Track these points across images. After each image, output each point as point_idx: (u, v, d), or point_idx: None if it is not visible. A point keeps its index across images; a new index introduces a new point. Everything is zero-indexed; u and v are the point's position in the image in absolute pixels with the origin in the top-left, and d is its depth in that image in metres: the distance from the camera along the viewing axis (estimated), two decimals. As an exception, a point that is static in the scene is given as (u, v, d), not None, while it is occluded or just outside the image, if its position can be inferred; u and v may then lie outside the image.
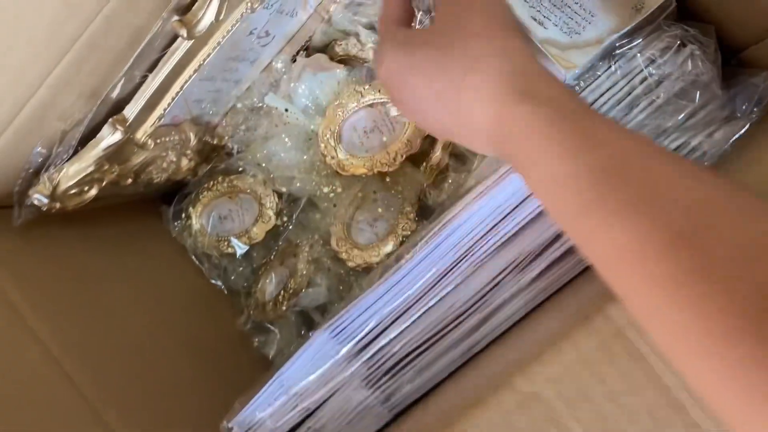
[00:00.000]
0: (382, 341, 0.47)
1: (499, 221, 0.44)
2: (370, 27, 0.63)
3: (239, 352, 0.68)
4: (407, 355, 0.48)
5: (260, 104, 0.66)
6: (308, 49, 0.66)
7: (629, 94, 0.47)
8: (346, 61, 0.65)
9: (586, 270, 0.47)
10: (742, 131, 0.46)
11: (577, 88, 0.49)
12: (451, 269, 0.45)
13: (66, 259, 0.55)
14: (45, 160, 0.51)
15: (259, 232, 0.68)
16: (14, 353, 0.44)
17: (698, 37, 0.45)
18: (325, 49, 0.65)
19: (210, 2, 0.48)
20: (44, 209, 0.52)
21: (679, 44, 0.45)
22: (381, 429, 0.51)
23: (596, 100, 0.47)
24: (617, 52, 0.47)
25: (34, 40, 0.42)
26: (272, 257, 0.69)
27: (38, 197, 0.51)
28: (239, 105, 0.67)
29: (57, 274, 0.54)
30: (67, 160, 0.51)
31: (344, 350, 0.47)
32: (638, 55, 0.46)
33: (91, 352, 0.50)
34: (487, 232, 0.45)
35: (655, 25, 0.47)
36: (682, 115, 0.45)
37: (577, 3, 0.51)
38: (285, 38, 0.65)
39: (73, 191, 0.53)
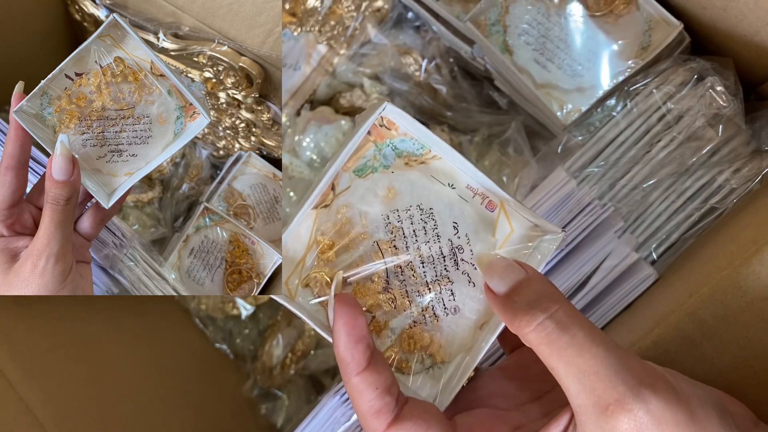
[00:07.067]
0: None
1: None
2: (374, 77, 0.62)
3: (246, 420, 0.64)
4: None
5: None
6: (312, 102, 0.64)
7: (647, 132, 0.45)
8: (350, 112, 0.63)
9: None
10: (771, 166, 0.44)
11: (591, 128, 0.48)
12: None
13: (62, 324, 0.53)
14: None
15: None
16: (1, 425, 0.41)
17: (717, 69, 0.43)
18: (330, 101, 0.64)
19: (210, 54, 0.48)
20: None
21: (697, 78, 0.44)
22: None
23: (613, 139, 0.45)
24: (632, 89, 0.45)
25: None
26: (279, 318, 0.66)
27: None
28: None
29: (52, 340, 0.51)
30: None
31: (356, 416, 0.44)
32: (654, 91, 0.44)
33: (85, 423, 0.46)
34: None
35: (670, 60, 0.45)
36: (705, 150, 0.43)
37: (580, 44, 0.50)
38: (288, 92, 0.64)
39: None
